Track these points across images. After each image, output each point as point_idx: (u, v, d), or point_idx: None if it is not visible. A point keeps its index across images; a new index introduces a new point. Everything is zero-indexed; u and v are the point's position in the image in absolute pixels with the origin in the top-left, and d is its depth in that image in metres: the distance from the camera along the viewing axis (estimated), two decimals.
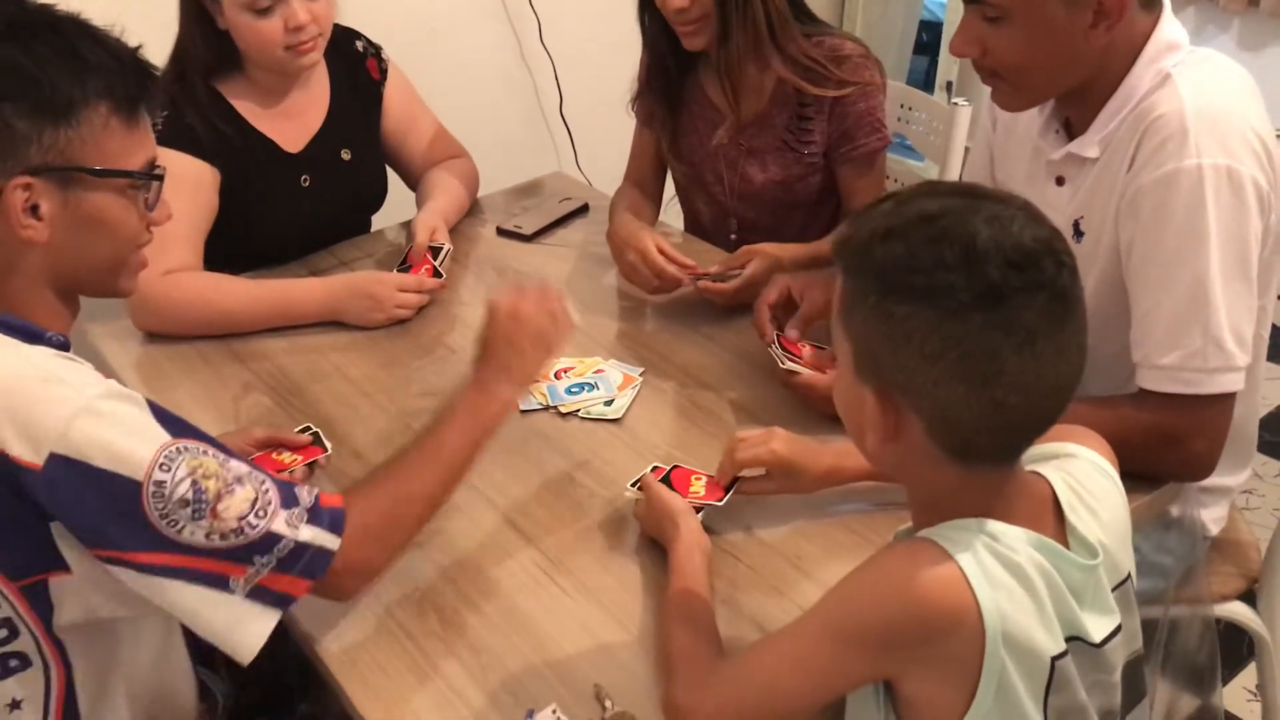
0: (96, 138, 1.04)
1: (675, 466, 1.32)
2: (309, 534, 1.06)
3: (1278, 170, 1.25)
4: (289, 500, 1.06)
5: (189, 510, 0.99)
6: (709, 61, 1.83)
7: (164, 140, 1.70)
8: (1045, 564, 0.90)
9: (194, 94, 1.74)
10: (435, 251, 1.78)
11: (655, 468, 1.32)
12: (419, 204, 1.96)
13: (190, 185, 1.72)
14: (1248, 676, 1.97)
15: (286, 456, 1.37)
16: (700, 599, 1.13)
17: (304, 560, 1.05)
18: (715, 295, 1.67)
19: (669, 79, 1.86)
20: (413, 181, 2.03)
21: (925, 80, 3.81)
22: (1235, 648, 1.91)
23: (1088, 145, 1.32)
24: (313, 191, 1.87)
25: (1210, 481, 1.35)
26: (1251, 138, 1.22)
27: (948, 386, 0.86)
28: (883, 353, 0.89)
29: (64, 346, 1.07)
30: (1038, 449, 1.01)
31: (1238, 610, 1.55)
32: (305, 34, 1.71)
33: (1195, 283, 1.22)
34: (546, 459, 1.42)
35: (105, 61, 1.04)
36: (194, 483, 0.99)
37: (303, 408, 1.53)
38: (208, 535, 1.00)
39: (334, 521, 1.09)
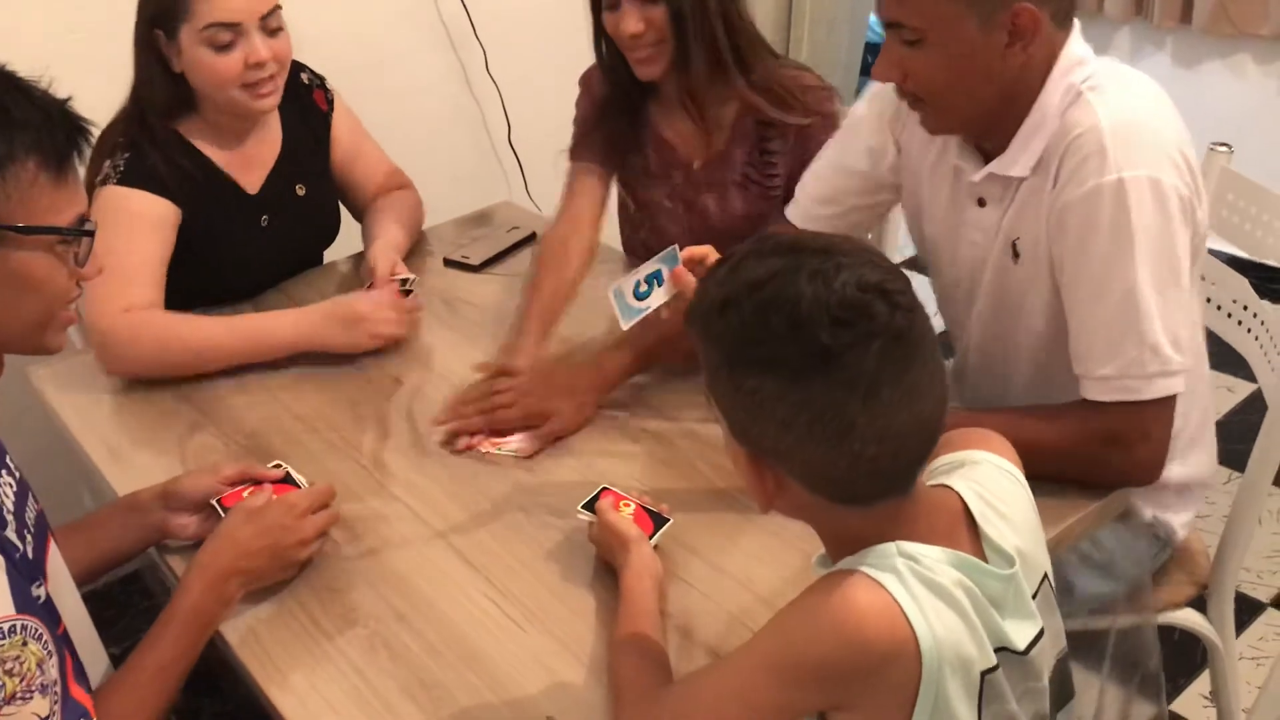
0: (24, 195, 1.00)
1: (603, 489, 1.31)
2: None
3: (1198, 179, 1.27)
4: None
5: None
6: (662, 99, 1.81)
7: (126, 180, 1.69)
8: (966, 581, 0.90)
9: (154, 134, 1.72)
10: (401, 283, 1.78)
11: (606, 489, 1.31)
12: (365, 236, 1.95)
13: (151, 223, 1.70)
14: (1203, 683, 1.99)
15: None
16: (649, 625, 1.12)
17: None
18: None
19: (630, 104, 1.81)
20: (358, 213, 2.02)
21: None
22: (1190, 655, 1.93)
23: (1008, 165, 1.33)
24: (271, 230, 1.86)
25: (1185, 477, 1.39)
26: (1170, 149, 1.24)
27: (807, 449, 0.87)
28: (745, 421, 0.90)
29: None
30: (940, 461, 1.02)
31: (1189, 618, 1.56)
32: (264, 70, 1.69)
33: (1125, 293, 1.24)
34: (496, 489, 1.41)
35: (32, 116, 1.01)
36: None
37: (251, 447, 1.51)
38: None
39: None
